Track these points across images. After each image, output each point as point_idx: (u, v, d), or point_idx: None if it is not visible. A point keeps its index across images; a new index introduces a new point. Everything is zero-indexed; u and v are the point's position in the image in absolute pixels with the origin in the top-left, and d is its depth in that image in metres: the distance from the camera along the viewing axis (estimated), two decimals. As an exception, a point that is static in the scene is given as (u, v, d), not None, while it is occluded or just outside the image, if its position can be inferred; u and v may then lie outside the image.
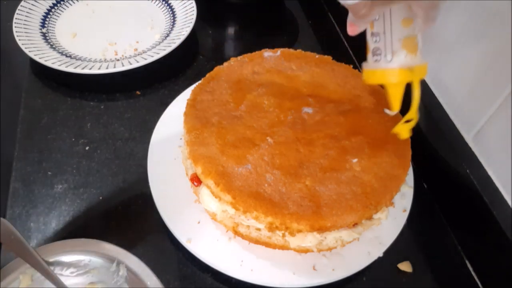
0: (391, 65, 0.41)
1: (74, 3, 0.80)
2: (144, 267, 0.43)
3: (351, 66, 0.58)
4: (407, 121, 0.43)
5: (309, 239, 0.46)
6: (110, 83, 0.67)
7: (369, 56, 0.43)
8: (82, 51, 0.71)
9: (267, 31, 0.83)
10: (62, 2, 0.79)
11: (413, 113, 0.43)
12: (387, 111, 0.45)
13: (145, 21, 0.78)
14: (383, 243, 0.49)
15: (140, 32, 0.75)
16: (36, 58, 0.66)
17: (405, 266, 0.50)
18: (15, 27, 0.70)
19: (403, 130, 0.44)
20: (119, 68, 0.65)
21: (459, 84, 0.53)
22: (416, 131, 0.55)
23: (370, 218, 0.48)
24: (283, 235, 0.46)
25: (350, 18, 0.41)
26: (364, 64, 0.43)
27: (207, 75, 0.56)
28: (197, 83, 0.55)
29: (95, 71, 0.65)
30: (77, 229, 0.51)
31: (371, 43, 0.42)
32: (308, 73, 0.56)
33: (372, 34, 0.42)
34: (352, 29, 0.42)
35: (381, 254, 0.48)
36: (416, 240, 0.53)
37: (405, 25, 0.40)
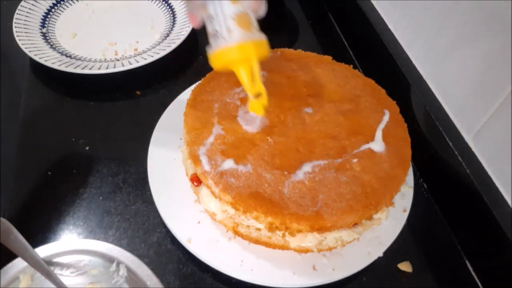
0: (229, 44, 0.42)
1: (74, 3, 0.80)
2: (144, 267, 0.43)
3: (351, 66, 0.58)
4: (257, 96, 0.45)
5: (309, 239, 0.46)
6: (110, 83, 0.67)
7: (211, 40, 0.44)
8: (82, 51, 0.71)
9: (267, 31, 0.83)
10: (62, 2, 0.79)
11: (259, 87, 0.44)
12: (248, 94, 0.45)
13: (145, 21, 0.78)
14: (383, 243, 0.49)
15: (140, 32, 0.75)
16: (36, 58, 0.66)
17: (405, 266, 0.50)
18: (15, 27, 0.70)
19: (257, 107, 0.45)
20: (119, 68, 0.65)
21: (459, 84, 0.53)
22: (416, 131, 0.56)
23: (370, 218, 0.48)
24: (283, 235, 0.46)
25: (188, 10, 0.44)
26: (208, 52, 0.45)
27: (207, 75, 0.56)
28: (197, 83, 0.55)
29: (95, 71, 0.65)
30: (77, 229, 0.51)
31: (209, 28, 0.44)
32: (308, 73, 0.56)
33: (207, 18, 0.43)
34: (192, 20, 0.44)
35: (381, 254, 0.48)
36: (416, 240, 0.53)
37: (234, 3, 0.42)
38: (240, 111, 0.50)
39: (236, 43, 0.42)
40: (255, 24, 0.44)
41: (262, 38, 0.44)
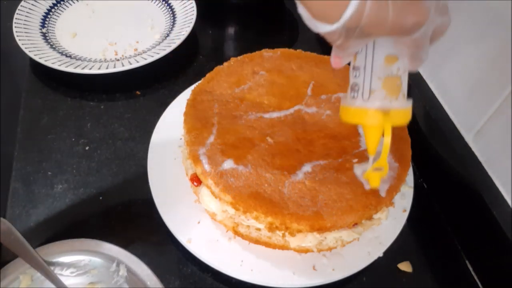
0: (366, 105, 0.37)
1: (74, 3, 0.80)
2: (144, 267, 0.43)
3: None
4: (377, 169, 0.39)
5: (309, 239, 0.46)
6: (110, 83, 0.67)
7: (348, 91, 0.39)
8: (82, 51, 0.71)
9: (267, 31, 0.83)
10: (62, 2, 0.79)
11: (383, 162, 0.39)
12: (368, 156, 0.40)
13: (145, 21, 0.78)
14: (383, 243, 0.49)
15: (140, 32, 0.75)
16: (36, 58, 0.66)
17: (405, 266, 0.50)
18: (15, 27, 0.70)
19: (373, 179, 0.40)
20: (119, 68, 0.65)
21: (459, 84, 0.53)
22: (416, 131, 0.56)
23: (370, 218, 0.48)
24: (283, 235, 0.46)
25: (334, 49, 0.37)
26: (342, 99, 0.40)
27: (207, 75, 0.56)
28: (197, 83, 0.55)
29: (95, 71, 0.65)
30: (77, 229, 0.51)
31: (351, 78, 0.38)
32: (308, 73, 0.56)
33: (353, 68, 0.38)
34: (335, 61, 0.38)
35: (381, 254, 0.48)
36: (416, 240, 0.53)
37: (388, 63, 0.36)
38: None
39: (374, 108, 0.36)
40: (404, 90, 0.37)
41: (406, 106, 0.37)
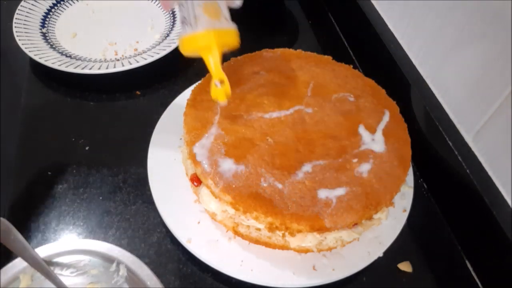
0: (195, 30, 0.43)
1: (74, 3, 0.80)
2: (144, 267, 0.43)
3: (351, 66, 0.58)
4: (218, 83, 0.46)
5: (309, 239, 0.46)
6: (110, 83, 0.67)
7: (181, 27, 0.46)
8: (82, 51, 0.71)
9: (267, 31, 0.83)
10: (62, 2, 0.79)
11: (218, 74, 0.45)
12: (216, 82, 0.46)
13: (145, 21, 0.78)
14: (383, 243, 0.49)
15: (140, 32, 0.75)
16: (36, 58, 0.66)
17: (405, 266, 0.50)
18: (15, 27, 0.70)
19: (219, 95, 0.46)
20: (119, 68, 0.65)
21: (459, 84, 0.53)
22: (416, 131, 0.56)
23: (370, 218, 0.48)
24: (283, 235, 0.46)
25: None
26: (179, 36, 0.47)
27: (207, 75, 0.56)
28: (197, 83, 0.55)
29: (95, 71, 0.65)
30: (77, 229, 0.51)
31: (179, 14, 0.46)
32: (308, 73, 0.56)
33: (179, 5, 0.45)
34: (165, 5, 0.47)
35: (381, 254, 0.48)
36: (416, 240, 0.53)
37: None
38: None
39: (201, 31, 0.43)
40: (225, 13, 0.45)
41: (230, 27, 0.45)
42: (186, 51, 0.46)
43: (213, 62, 0.45)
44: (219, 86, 0.46)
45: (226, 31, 0.45)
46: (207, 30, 0.43)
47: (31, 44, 0.69)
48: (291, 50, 0.60)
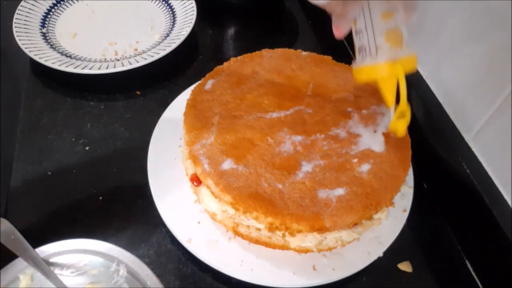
0: (376, 60, 0.41)
1: (74, 3, 0.80)
2: (144, 267, 0.43)
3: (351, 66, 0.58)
4: (400, 116, 0.43)
5: (309, 239, 0.46)
6: (110, 83, 0.67)
7: (357, 55, 0.43)
8: (82, 51, 0.71)
9: (267, 31, 0.83)
10: (62, 2, 0.79)
11: (403, 106, 0.42)
12: (391, 113, 0.44)
13: (145, 21, 0.78)
14: (383, 243, 0.49)
15: (140, 32, 0.75)
16: (36, 58, 0.66)
17: (405, 266, 0.50)
18: (15, 27, 0.70)
19: (399, 127, 0.43)
20: (119, 68, 0.65)
21: (459, 84, 0.53)
22: (416, 131, 0.56)
23: (370, 218, 0.48)
24: (283, 235, 0.46)
25: (333, 20, 0.42)
26: (353, 64, 0.44)
27: (207, 75, 0.56)
28: (197, 83, 0.55)
29: (95, 71, 0.65)
30: (77, 229, 0.51)
31: (356, 42, 0.43)
32: (308, 73, 0.56)
33: (356, 32, 0.42)
34: (337, 31, 0.43)
35: (381, 254, 0.48)
36: (416, 240, 0.53)
37: (385, 19, 0.40)
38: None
39: (383, 61, 0.41)
40: (406, 38, 0.41)
41: (411, 54, 0.42)
42: (362, 80, 0.43)
43: (390, 93, 0.42)
44: (396, 119, 0.43)
45: (408, 60, 0.41)
46: (390, 61, 0.40)
47: (31, 44, 0.69)
48: (291, 50, 0.60)
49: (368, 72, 0.42)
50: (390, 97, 0.42)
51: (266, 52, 0.59)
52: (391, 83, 0.41)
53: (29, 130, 0.61)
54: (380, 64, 0.41)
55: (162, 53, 0.68)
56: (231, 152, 0.47)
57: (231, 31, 0.84)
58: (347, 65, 0.59)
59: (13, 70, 0.71)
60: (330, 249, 0.48)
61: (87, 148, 0.60)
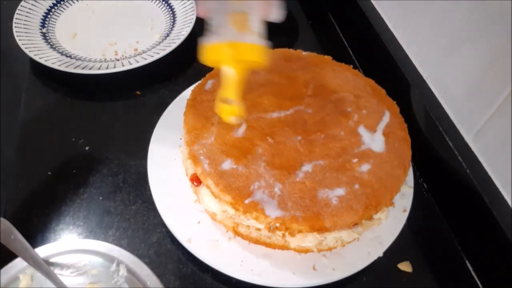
0: (217, 40, 0.40)
1: (74, 3, 0.80)
2: (144, 267, 0.43)
3: (351, 66, 0.58)
4: (225, 101, 0.41)
5: (309, 239, 0.46)
6: (110, 83, 0.67)
7: (207, 34, 0.42)
8: (82, 51, 0.71)
9: (267, 31, 0.83)
10: (62, 2, 0.79)
11: (227, 92, 0.40)
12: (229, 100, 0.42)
13: (145, 21, 0.78)
14: (383, 243, 0.49)
15: (140, 32, 0.75)
16: (36, 58, 0.66)
17: (405, 266, 0.50)
18: (15, 27, 0.70)
19: (222, 111, 0.42)
20: (119, 68, 0.65)
21: (459, 84, 0.53)
22: (416, 131, 0.56)
23: (370, 218, 0.48)
24: (283, 235, 0.46)
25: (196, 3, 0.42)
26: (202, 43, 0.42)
27: (207, 75, 0.56)
28: (197, 83, 0.55)
29: (95, 71, 0.65)
30: (77, 229, 0.51)
31: (209, 22, 0.42)
32: (308, 73, 0.56)
33: (212, 11, 0.42)
34: (200, 10, 0.43)
35: (381, 254, 0.48)
36: (416, 240, 0.53)
37: (236, 1, 0.40)
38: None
39: (222, 41, 0.39)
40: (255, 27, 0.40)
41: (256, 42, 0.40)
42: (205, 61, 0.42)
43: (227, 77, 0.40)
44: (232, 103, 0.42)
45: (250, 46, 0.40)
46: (230, 43, 0.39)
47: (31, 44, 0.69)
48: (291, 50, 0.60)
49: (209, 51, 0.41)
50: (229, 88, 0.41)
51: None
52: (231, 67, 0.40)
53: (29, 130, 0.61)
54: (220, 43, 0.39)
55: (162, 53, 0.68)
56: (231, 152, 0.47)
57: (231, 31, 0.83)
58: (347, 65, 0.59)
59: (13, 70, 0.71)
60: (330, 249, 0.48)
61: (87, 148, 0.60)
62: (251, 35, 0.40)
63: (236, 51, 0.39)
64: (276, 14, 0.41)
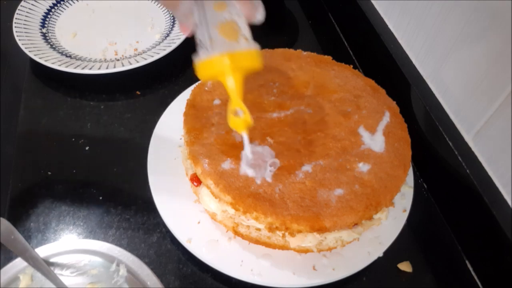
0: (210, 54, 0.38)
1: (74, 3, 0.80)
2: (144, 267, 0.43)
3: (351, 66, 0.58)
4: (236, 113, 0.40)
5: (309, 239, 0.46)
6: (110, 83, 0.67)
7: (198, 49, 0.40)
8: (82, 51, 0.71)
9: (267, 31, 0.83)
10: (62, 2, 0.79)
11: (235, 103, 0.40)
12: (238, 110, 0.41)
13: (145, 21, 0.78)
14: (383, 243, 0.49)
15: (140, 32, 0.75)
16: (36, 58, 0.66)
17: (405, 266, 0.50)
18: (15, 27, 0.70)
19: (237, 125, 0.41)
20: (119, 68, 0.65)
21: (459, 84, 0.53)
22: (416, 131, 0.56)
23: (370, 218, 0.48)
24: (283, 235, 0.46)
25: (177, 19, 0.41)
26: (195, 60, 0.41)
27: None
28: (197, 83, 0.55)
29: (95, 71, 0.65)
30: (77, 229, 0.51)
31: (196, 37, 0.40)
32: (308, 73, 0.56)
33: (195, 26, 0.40)
34: (183, 29, 0.41)
35: (381, 254, 0.48)
36: (416, 240, 0.53)
37: (218, 9, 0.39)
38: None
39: (217, 54, 0.38)
40: (244, 32, 0.40)
41: (250, 47, 0.40)
42: (203, 77, 0.41)
43: (231, 89, 0.39)
44: (240, 115, 0.40)
45: (245, 53, 0.39)
46: (223, 54, 0.38)
47: (31, 44, 0.69)
48: (291, 50, 0.60)
49: (204, 67, 0.40)
50: (232, 94, 0.40)
51: (266, 52, 0.59)
52: (231, 79, 0.39)
53: (29, 130, 0.61)
54: (214, 57, 0.38)
55: (162, 53, 0.68)
56: (231, 152, 0.47)
57: (231, 31, 0.83)
58: (347, 65, 0.59)
59: (13, 70, 0.71)
60: (330, 249, 0.48)
61: (87, 148, 0.60)
62: (243, 42, 0.40)
63: (232, 61, 0.38)
64: (260, 15, 0.41)
